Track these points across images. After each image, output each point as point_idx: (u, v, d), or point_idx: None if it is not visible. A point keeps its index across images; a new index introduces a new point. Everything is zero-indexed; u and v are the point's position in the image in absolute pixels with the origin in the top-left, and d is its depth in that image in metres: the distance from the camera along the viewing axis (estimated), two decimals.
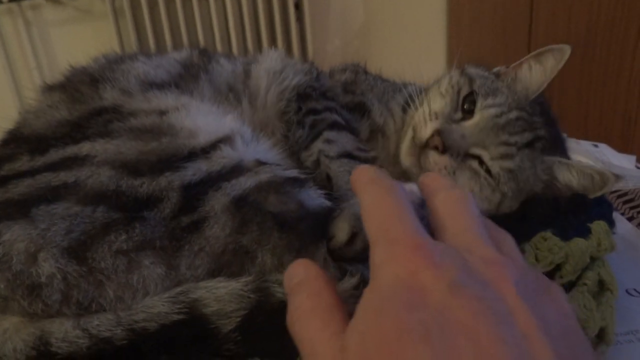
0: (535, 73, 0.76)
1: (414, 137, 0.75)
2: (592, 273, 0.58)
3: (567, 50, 0.73)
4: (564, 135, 0.84)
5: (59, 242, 0.46)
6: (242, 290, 0.46)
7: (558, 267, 0.57)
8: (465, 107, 0.74)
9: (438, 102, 0.77)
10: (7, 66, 2.69)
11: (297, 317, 0.35)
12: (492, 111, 0.72)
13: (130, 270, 0.46)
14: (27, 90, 2.58)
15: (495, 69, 0.82)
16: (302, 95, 0.78)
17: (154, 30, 2.67)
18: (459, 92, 0.76)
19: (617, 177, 0.67)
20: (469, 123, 0.73)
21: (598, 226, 0.64)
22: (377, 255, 0.35)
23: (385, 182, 0.40)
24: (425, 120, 0.75)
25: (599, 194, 0.69)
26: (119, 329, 0.43)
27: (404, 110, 0.82)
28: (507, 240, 0.40)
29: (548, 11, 2.33)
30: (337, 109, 0.80)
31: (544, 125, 0.74)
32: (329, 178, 0.68)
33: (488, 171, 0.71)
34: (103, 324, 0.43)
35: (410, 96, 0.81)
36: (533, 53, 0.76)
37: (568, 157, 0.78)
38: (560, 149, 0.77)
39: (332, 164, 0.69)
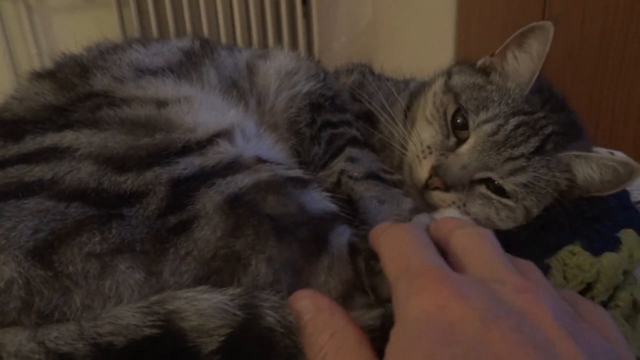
0: (523, 63, 0.69)
1: (411, 178, 0.69)
2: (624, 293, 0.52)
3: (549, 28, 0.66)
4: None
5: (24, 243, 0.41)
6: (227, 305, 0.40)
7: (589, 286, 0.51)
8: (458, 121, 0.68)
9: (426, 131, 0.71)
10: (8, 52, 2.65)
11: (322, 358, 0.34)
12: (487, 128, 0.66)
13: (102, 275, 0.41)
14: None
15: (480, 62, 0.75)
16: (314, 105, 0.72)
17: (158, 21, 2.63)
18: (445, 114, 0.70)
19: None
20: (466, 147, 0.66)
21: (627, 235, 0.59)
22: (400, 292, 0.34)
23: (398, 225, 0.41)
24: (419, 159, 0.69)
25: (623, 187, 0.64)
26: (80, 343, 0.37)
27: (405, 116, 0.77)
28: (533, 269, 0.38)
29: (561, 13, 2.27)
30: (352, 121, 0.74)
31: (551, 116, 0.68)
32: (350, 200, 0.63)
33: (501, 190, 0.65)
34: (62, 337, 0.38)
35: (405, 109, 0.76)
36: (514, 35, 0.69)
37: (585, 138, 0.72)
38: (575, 134, 0.71)
39: (358, 186, 0.64)
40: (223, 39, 2.65)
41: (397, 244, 0.38)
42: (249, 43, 2.71)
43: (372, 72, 0.87)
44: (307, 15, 2.74)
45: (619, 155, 1.30)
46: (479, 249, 0.37)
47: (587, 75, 2.27)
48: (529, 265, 0.38)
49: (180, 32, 2.63)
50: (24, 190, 0.44)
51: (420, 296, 0.32)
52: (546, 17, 2.29)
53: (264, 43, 2.73)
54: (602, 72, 2.25)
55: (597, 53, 2.23)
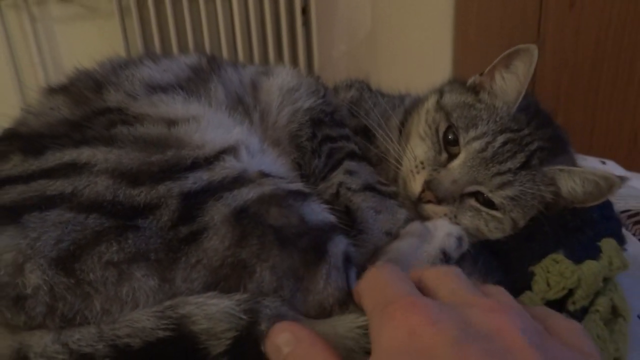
0: (510, 83, 0.73)
1: (405, 191, 0.73)
2: (604, 298, 0.56)
3: (533, 50, 0.70)
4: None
5: (48, 252, 0.44)
6: (233, 310, 0.43)
7: (570, 292, 0.55)
8: (449, 138, 0.72)
9: (419, 147, 0.75)
10: (11, 61, 2.68)
11: None
12: (477, 145, 0.70)
13: (120, 282, 0.44)
14: (30, 86, 2.57)
15: (470, 81, 0.80)
16: (315, 120, 0.76)
17: (160, 31, 2.66)
18: (437, 130, 0.74)
19: (623, 180, 0.65)
20: (457, 163, 0.71)
21: (608, 244, 0.62)
22: (374, 323, 0.34)
23: (374, 268, 0.42)
24: (412, 173, 0.73)
25: (604, 199, 0.67)
26: (100, 345, 0.40)
27: (400, 132, 0.81)
28: (501, 292, 0.40)
29: (556, 25, 2.31)
30: (350, 136, 0.78)
31: (536, 133, 0.71)
32: (348, 211, 0.66)
33: (490, 203, 0.69)
34: (84, 339, 0.41)
35: (400, 125, 0.80)
36: (501, 56, 0.74)
37: (570, 152, 0.76)
38: (560, 148, 0.75)
39: (355, 198, 0.67)
40: (224, 48, 2.69)
41: (373, 281, 0.40)
42: (249, 52, 2.74)
43: (369, 89, 0.90)
44: (306, 24, 2.78)
45: (608, 164, 1.34)
46: (447, 280, 0.39)
47: (582, 83, 2.31)
48: (496, 289, 0.40)
49: (181, 42, 2.67)
50: (46, 202, 0.47)
51: (391, 324, 0.32)
52: (542, 27, 2.34)
53: (264, 52, 2.77)
54: (597, 80, 2.29)
55: (592, 62, 2.27)
